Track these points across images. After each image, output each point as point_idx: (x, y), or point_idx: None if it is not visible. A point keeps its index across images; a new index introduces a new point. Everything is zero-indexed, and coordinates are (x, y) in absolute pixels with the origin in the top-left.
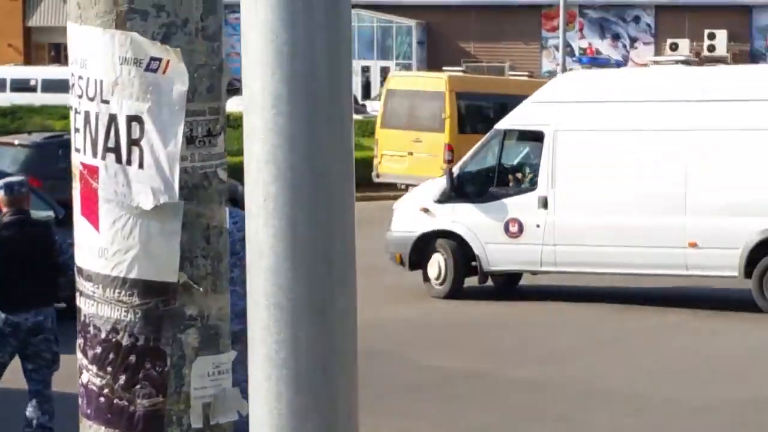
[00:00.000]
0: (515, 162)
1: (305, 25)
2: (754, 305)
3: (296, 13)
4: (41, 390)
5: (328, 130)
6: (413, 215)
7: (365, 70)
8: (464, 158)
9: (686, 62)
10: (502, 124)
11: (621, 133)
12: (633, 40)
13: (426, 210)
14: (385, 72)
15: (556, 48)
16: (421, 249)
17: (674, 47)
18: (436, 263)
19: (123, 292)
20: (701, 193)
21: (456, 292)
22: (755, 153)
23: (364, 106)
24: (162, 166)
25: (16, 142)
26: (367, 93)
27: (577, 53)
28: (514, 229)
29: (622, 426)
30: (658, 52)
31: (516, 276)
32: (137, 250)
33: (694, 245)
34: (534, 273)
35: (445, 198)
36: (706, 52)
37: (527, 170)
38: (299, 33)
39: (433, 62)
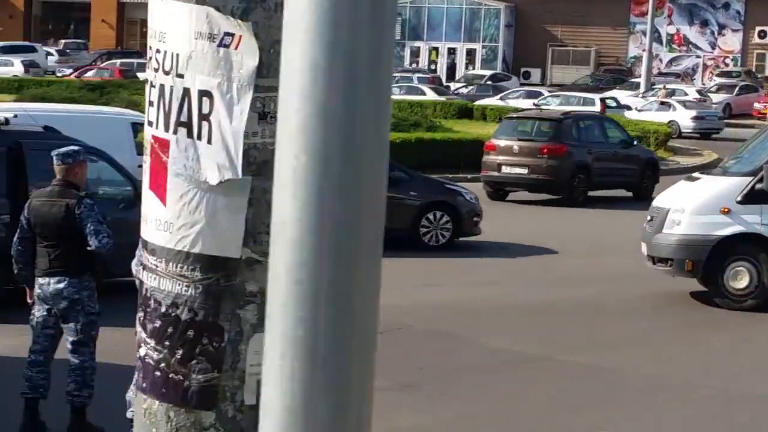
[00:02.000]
0: None
1: None
2: None
3: None
4: (70, 358)
5: (366, 104)
6: (706, 217)
7: (451, 51)
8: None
9: None
10: None
11: None
12: (721, 27)
13: (727, 211)
14: (471, 54)
15: (644, 33)
16: (717, 256)
17: (763, 35)
18: (746, 273)
19: (185, 267)
20: None
21: None
22: None
23: (447, 87)
24: (227, 142)
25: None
26: (452, 74)
27: (664, 39)
28: None
29: (678, 415)
30: (746, 39)
31: None
32: (202, 224)
33: None
34: None
35: (750, 198)
36: None
37: None
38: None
39: (520, 46)
